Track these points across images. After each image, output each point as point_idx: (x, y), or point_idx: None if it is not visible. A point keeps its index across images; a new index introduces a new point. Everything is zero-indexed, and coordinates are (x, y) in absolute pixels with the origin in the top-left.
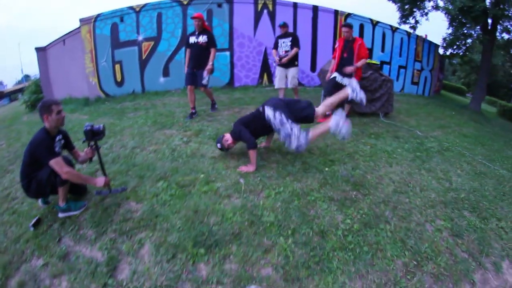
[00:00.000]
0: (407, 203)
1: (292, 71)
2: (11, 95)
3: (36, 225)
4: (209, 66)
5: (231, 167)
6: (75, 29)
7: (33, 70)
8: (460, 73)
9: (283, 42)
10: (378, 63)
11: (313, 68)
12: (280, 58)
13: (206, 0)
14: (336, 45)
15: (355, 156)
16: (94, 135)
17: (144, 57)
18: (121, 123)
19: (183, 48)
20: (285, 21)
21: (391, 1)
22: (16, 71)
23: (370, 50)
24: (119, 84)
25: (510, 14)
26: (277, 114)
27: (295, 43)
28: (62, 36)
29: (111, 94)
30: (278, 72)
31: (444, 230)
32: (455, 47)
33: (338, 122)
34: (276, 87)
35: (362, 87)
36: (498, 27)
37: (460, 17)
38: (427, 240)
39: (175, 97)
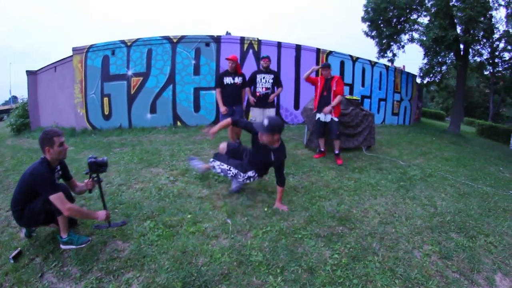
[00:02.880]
0: (393, 233)
1: (271, 112)
2: None
3: (16, 257)
4: (251, 99)
5: (218, 207)
6: (67, 58)
7: (22, 92)
8: (438, 99)
9: (263, 78)
10: (359, 98)
11: (296, 106)
12: (260, 96)
13: (194, 39)
14: (316, 84)
15: (340, 191)
16: (98, 168)
17: (132, 92)
18: (107, 158)
19: (171, 86)
20: (268, 55)
21: (369, 37)
22: (4, 90)
23: (351, 86)
24: (107, 117)
25: (479, 38)
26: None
27: (278, 82)
28: (54, 63)
29: (98, 127)
30: (256, 113)
31: (433, 254)
32: (431, 75)
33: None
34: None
35: (344, 123)
36: (470, 51)
37: (434, 46)
38: (416, 266)
39: (161, 135)
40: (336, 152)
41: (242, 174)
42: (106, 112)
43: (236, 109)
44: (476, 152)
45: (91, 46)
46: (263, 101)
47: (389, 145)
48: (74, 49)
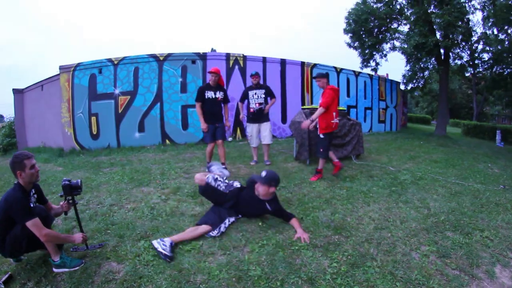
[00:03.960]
0: (389, 237)
1: (266, 126)
2: None
3: (7, 282)
4: (227, 124)
5: None
6: (54, 76)
7: (8, 111)
8: (422, 103)
9: (255, 94)
10: (345, 108)
11: (283, 119)
12: (254, 112)
13: (181, 56)
14: None
15: (333, 201)
16: (72, 190)
17: (120, 111)
18: (97, 178)
19: (158, 104)
20: (257, 71)
21: (352, 48)
22: None
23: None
24: (95, 137)
25: (458, 42)
26: None
27: (270, 94)
28: (41, 81)
29: (86, 147)
30: (252, 128)
31: (431, 254)
32: (414, 81)
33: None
34: (253, 145)
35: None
36: (451, 55)
37: (415, 53)
38: (416, 267)
39: (150, 153)
40: (317, 168)
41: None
42: (94, 132)
43: (218, 126)
44: (464, 151)
45: (78, 65)
46: (257, 116)
47: (378, 152)
48: (61, 68)
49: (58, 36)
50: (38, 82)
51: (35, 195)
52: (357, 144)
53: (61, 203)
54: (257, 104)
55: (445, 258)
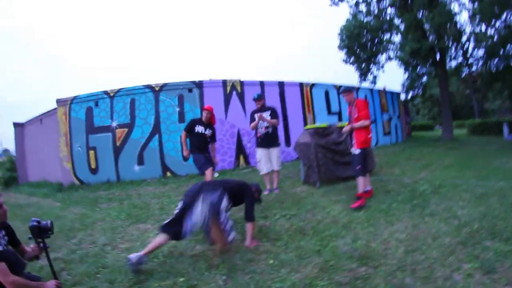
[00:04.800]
0: (424, 260)
1: (276, 151)
2: None
3: None
4: (215, 160)
5: (215, 265)
6: (52, 109)
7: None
8: (423, 110)
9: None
10: None
11: (287, 142)
12: (261, 136)
13: (177, 85)
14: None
15: (351, 225)
16: (41, 232)
17: (118, 144)
18: (93, 214)
19: (156, 135)
20: (259, 93)
21: (348, 64)
22: None
23: (339, 114)
24: (94, 171)
25: (449, 45)
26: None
27: (274, 116)
28: (40, 115)
29: (85, 181)
30: (261, 154)
31: (475, 272)
32: (414, 89)
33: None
34: (263, 172)
35: (340, 152)
36: (446, 58)
37: (411, 60)
38: None
39: (150, 187)
40: (358, 192)
41: None
42: (93, 166)
43: (208, 155)
44: (475, 151)
45: (74, 98)
46: (266, 141)
47: (389, 165)
48: (58, 101)
49: (61, 70)
50: (37, 116)
51: (6, 237)
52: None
53: (32, 245)
54: (263, 128)
55: (492, 273)
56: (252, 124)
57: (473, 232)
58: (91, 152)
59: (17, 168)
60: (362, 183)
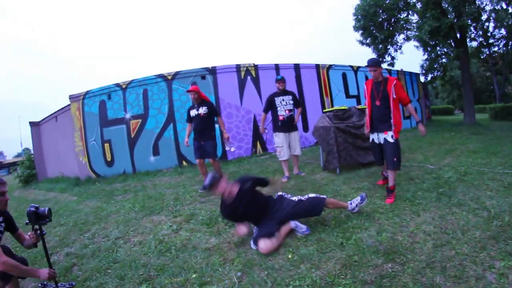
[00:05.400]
0: (454, 256)
1: (296, 135)
2: (10, 167)
3: None
4: (225, 135)
5: (230, 260)
6: (66, 106)
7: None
8: (442, 94)
9: (283, 100)
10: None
11: (305, 127)
12: (284, 120)
13: (189, 73)
14: (364, 90)
15: (375, 215)
16: (38, 219)
17: (132, 135)
18: (108, 207)
19: (171, 125)
20: (282, 76)
21: (364, 45)
22: (16, 143)
23: (357, 97)
24: (109, 164)
25: (469, 23)
26: None
27: (297, 102)
28: (54, 112)
29: (101, 175)
30: (282, 139)
31: (509, 272)
32: (434, 71)
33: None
34: (284, 158)
35: (361, 136)
36: (467, 37)
37: (431, 39)
38: None
39: (166, 177)
40: (389, 185)
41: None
42: (109, 159)
43: (204, 144)
44: (500, 137)
45: (87, 93)
46: (288, 125)
47: (410, 151)
48: (70, 97)
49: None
50: (52, 114)
51: (3, 223)
52: None
53: (29, 233)
54: (287, 111)
55: None
56: (260, 129)
57: (504, 226)
58: (106, 145)
59: (35, 166)
60: (394, 176)
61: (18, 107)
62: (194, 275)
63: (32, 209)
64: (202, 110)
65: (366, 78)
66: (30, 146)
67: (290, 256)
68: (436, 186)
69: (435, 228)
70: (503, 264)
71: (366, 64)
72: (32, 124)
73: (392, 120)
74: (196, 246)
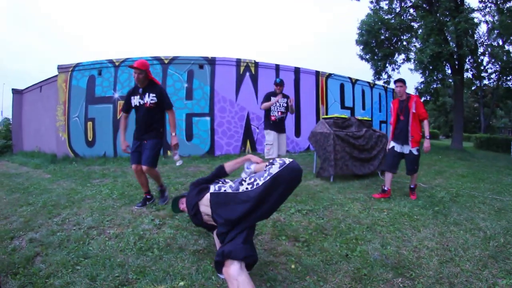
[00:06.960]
0: (460, 272)
1: (284, 138)
2: None
3: None
4: (173, 140)
5: None
6: (52, 77)
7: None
8: (429, 118)
9: (278, 101)
10: (370, 118)
11: (297, 133)
12: (275, 120)
13: (187, 60)
14: (391, 108)
15: (376, 228)
16: None
17: (118, 117)
18: (83, 190)
19: None
20: (281, 79)
21: (364, 60)
22: None
23: (352, 109)
24: (90, 144)
25: (468, 52)
26: None
27: (290, 108)
28: (40, 82)
29: (80, 154)
30: (274, 137)
31: None
32: (428, 94)
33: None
34: (273, 156)
35: (359, 147)
36: (465, 67)
37: (431, 63)
38: None
39: None
40: (412, 186)
41: None
42: (90, 138)
43: (147, 144)
44: (485, 165)
45: (77, 65)
46: (279, 126)
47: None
48: (59, 67)
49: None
50: (37, 83)
51: None
52: (383, 158)
53: None
54: (279, 113)
55: None
56: (267, 103)
57: (500, 246)
58: (89, 123)
59: (12, 136)
60: (416, 178)
61: (3, 74)
62: (181, 283)
63: None
64: (149, 98)
65: (363, 91)
66: (11, 117)
67: (293, 267)
68: (432, 204)
69: (437, 245)
70: (504, 282)
71: (394, 81)
72: (14, 91)
73: (410, 132)
74: (182, 247)
